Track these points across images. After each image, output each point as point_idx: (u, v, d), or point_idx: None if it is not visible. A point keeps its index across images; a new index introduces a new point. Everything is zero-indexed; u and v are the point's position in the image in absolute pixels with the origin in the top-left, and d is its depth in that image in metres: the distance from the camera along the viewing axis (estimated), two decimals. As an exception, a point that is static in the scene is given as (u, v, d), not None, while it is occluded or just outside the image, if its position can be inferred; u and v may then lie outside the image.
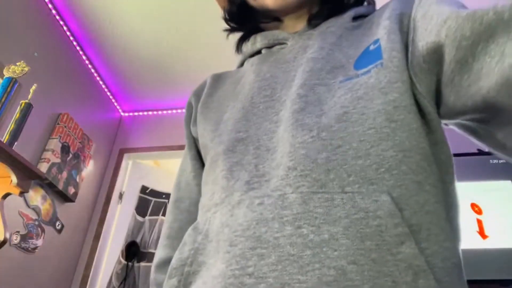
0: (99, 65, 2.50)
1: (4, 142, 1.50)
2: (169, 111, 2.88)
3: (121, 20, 2.17)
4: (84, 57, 2.39)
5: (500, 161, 2.08)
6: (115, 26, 2.21)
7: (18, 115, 1.59)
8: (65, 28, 2.20)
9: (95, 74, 2.52)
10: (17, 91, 1.56)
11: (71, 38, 2.27)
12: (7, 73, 1.56)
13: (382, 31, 0.43)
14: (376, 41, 0.43)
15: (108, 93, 2.70)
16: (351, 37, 0.48)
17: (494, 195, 2.00)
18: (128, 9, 2.12)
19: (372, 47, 0.43)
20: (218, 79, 0.61)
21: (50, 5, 2.07)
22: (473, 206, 1.99)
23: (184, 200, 0.56)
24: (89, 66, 2.45)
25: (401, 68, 0.39)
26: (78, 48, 2.33)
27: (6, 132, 1.55)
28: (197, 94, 0.61)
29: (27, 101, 1.62)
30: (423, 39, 0.38)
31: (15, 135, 1.55)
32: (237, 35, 0.63)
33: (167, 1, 2.06)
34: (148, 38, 2.29)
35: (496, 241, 1.88)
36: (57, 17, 2.14)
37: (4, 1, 1.76)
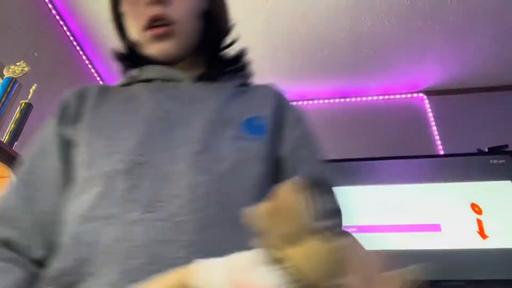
0: (99, 65, 2.50)
1: (4, 142, 1.50)
2: (169, 111, 2.88)
3: (121, 20, 2.17)
4: (84, 57, 2.39)
5: (500, 161, 2.08)
6: (115, 26, 2.21)
7: (18, 115, 1.59)
8: (65, 28, 2.20)
9: (95, 74, 2.52)
10: (17, 91, 1.56)
11: (71, 38, 2.27)
12: (7, 73, 1.56)
13: (269, 114, 0.58)
14: (263, 118, 0.57)
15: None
16: (237, 99, 0.59)
17: (494, 195, 2.00)
18: (128, 9, 2.12)
19: (259, 121, 0.56)
20: (103, 91, 0.61)
21: (50, 5, 2.07)
22: (473, 206, 1.99)
23: (42, 199, 0.52)
24: (89, 66, 2.45)
25: (270, 144, 0.55)
26: (78, 48, 2.33)
27: (6, 132, 1.54)
28: (79, 97, 0.60)
29: (27, 101, 1.62)
30: (289, 145, 0.57)
31: (15, 135, 1.55)
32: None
33: (167, 1, 2.06)
34: (148, 38, 2.29)
35: (496, 241, 1.88)
36: (57, 17, 2.14)
37: (4, 1, 1.76)
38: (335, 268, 0.24)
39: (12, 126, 1.56)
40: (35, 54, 1.93)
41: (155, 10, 0.57)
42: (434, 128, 2.49)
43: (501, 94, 2.54)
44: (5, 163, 1.48)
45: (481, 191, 2.02)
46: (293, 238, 0.24)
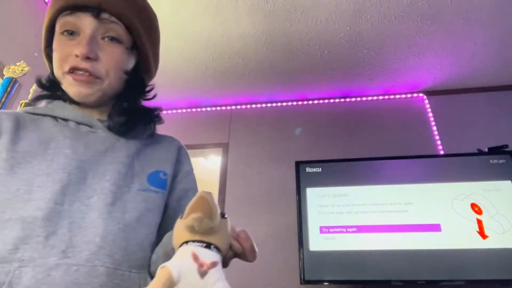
0: (99, 65, 2.50)
1: (4, 142, 1.50)
2: (168, 111, 2.88)
3: (121, 20, 2.17)
4: (84, 57, 2.39)
5: (500, 161, 2.08)
6: (115, 26, 2.21)
7: (18, 115, 1.58)
8: (65, 28, 2.20)
9: (95, 74, 2.52)
10: (17, 91, 1.56)
11: (71, 38, 2.26)
12: (7, 73, 1.56)
13: (169, 170, 0.68)
14: (165, 173, 0.67)
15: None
16: (145, 152, 0.68)
17: (494, 195, 2.00)
18: (128, 9, 2.12)
19: (162, 176, 0.66)
20: (16, 124, 0.61)
21: (50, 5, 2.07)
22: (473, 206, 1.99)
23: None
24: (89, 66, 2.45)
25: (165, 197, 0.66)
26: (78, 48, 2.33)
27: (6, 132, 1.54)
28: None
29: (27, 101, 1.62)
30: (176, 194, 0.68)
31: (15, 135, 1.55)
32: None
33: (167, 2, 2.06)
34: (148, 38, 2.29)
35: (496, 241, 1.88)
36: (57, 17, 2.14)
37: (4, 1, 1.76)
38: (229, 239, 0.43)
39: (12, 126, 1.56)
40: (35, 54, 1.93)
41: (82, 64, 0.60)
42: (434, 128, 2.49)
43: (501, 94, 2.54)
44: (5, 163, 1.47)
45: (481, 191, 2.02)
46: (212, 231, 0.40)
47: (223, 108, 2.84)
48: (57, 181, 0.55)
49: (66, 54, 0.61)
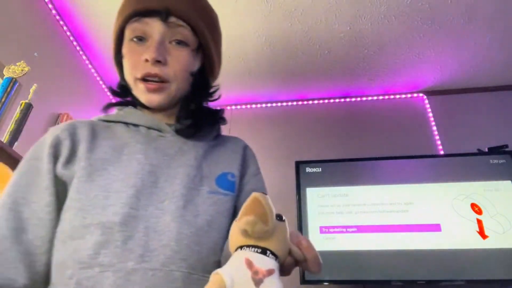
0: (99, 65, 2.50)
1: (4, 142, 1.50)
2: (169, 111, 2.88)
3: (121, 20, 2.17)
4: (84, 57, 2.39)
5: (500, 161, 2.08)
6: (115, 26, 2.21)
7: (18, 115, 1.59)
8: (65, 28, 2.20)
9: (95, 75, 2.52)
10: (17, 91, 1.56)
11: (71, 38, 2.26)
12: (7, 73, 1.56)
13: (237, 171, 0.67)
14: (233, 175, 0.67)
15: (108, 94, 2.70)
16: (212, 154, 0.68)
17: (494, 195, 2.00)
18: (128, 9, 2.12)
19: (230, 178, 0.66)
20: (92, 133, 0.64)
21: (50, 5, 2.07)
22: (473, 206, 1.99)
23: (31, 232, 0.55)
24: (89, 66, 2.45)
25: (235, 199, 0.64)
26: (78, 48, 2.33)
27: (6, 132, 1.54)
28: (72, 137, 0.62)
29: (27, 101, 1.62)
30: (244, 196, 0.65)
31: (15, 135, 1.55)
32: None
33: (167, 1, 2.06)
34: (148, 38, 2.28)
35: (496, 241, 1.88)
36: (57, 17, 2.14)
37: (4, 1, 1.76)
38: (288, 244, 0.40)
39: (12, 126, 1.56)
40: (35, 54, 1.93)
41: (153, 69, 0.62)
42: (434, 128, 2.49)
43: (501, 94, 2.54)
44: (5, 163, 1.48)
45: (481, 191, 2.02)
46: (267, 235, 0.38)
47: (223, 108, 2.83)
48: (131, 186, 0.56)
49: (137, 60, 0.63)
